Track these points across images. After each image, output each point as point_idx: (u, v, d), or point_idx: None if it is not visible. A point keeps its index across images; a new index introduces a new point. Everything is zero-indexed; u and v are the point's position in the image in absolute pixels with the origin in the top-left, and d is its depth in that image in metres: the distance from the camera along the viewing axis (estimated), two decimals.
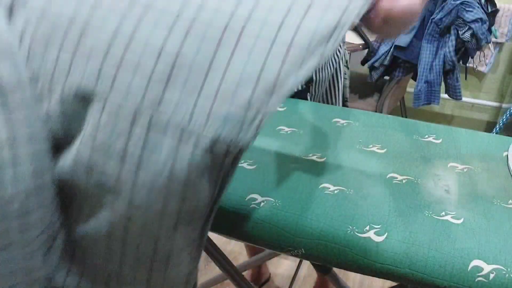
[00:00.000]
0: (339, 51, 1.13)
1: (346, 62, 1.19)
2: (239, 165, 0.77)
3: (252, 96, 0.44)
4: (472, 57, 1.92)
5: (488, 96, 2.39)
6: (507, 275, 0.56)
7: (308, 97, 1.10)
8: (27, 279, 0.50)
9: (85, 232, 0.51)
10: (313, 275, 1.69)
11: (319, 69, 1.08)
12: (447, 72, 1.89)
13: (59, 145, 0.51)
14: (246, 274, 1.61)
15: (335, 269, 0.83)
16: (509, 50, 2.24)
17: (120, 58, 0.47)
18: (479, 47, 1.81)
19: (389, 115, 0.96)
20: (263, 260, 1.41)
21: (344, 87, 1.20)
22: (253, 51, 0.44)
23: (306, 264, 1.73)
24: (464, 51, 1.83)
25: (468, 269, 0.57)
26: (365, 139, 0.86)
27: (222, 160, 0.46)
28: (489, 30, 1.81)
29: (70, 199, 0.52)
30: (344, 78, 1.18)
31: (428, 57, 1.87)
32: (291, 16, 0.44)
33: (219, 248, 0.90)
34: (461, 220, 0.64)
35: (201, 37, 0.45)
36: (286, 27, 0.44)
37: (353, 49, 1.95)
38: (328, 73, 1.12)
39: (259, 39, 0.44)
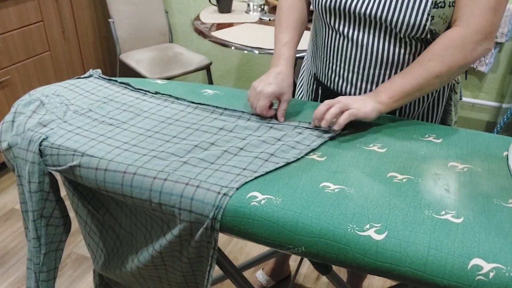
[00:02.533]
0: None
1: (453, 86, 1.02)
2: None
3: None
4: None
5: (488, 96, 2.39)
6: (507, 273, 0.56)
7: (397, 113, 0.99)
8: None
9: None
10: (314, 274, 1.69)
11: None
12: None
13: None
14: (268, 268, 1.61)
15: (335, 268, 0.83)
16: (509, 50, 2.24)
17: None
18: None
19: (390, 115, 0.96)
20: (264, 260, 1.41)
21: (444, 112, 1.05)
22: None
23: (307, 263, 1.73)
24: None
25: (468, 268, 0.57)
26: (366, 139, 0.86)
27: None
28: None
29: None
30: (448, 104, 1.04)
31: None
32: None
33: (219, 248, 0.90)
34: (461, 219, 0.64)
35: None
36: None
37: None
38: (429, 95, 0.99)
39: None
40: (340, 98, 0.86)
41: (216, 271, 1.66)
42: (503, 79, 2.33)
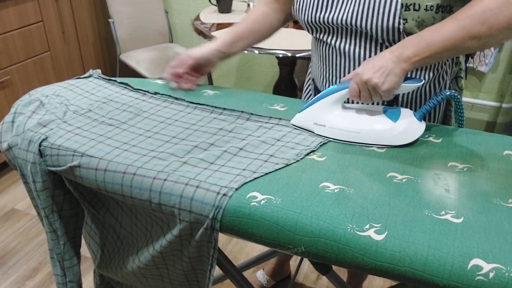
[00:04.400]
0: (442, 77, 0.96)
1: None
2: None
3: None
4: (472, 57, 1.92)
5: (488, 96, 2.39)
6: (506, 274, 0.56)
7: None
8: None
9: None
10: (314, 274, 1.69)
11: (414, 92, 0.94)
12: None
13: None
14: (268, 268, 1.61)
15: (335, 268, 0.83)
16: (509, 50, 2.24)
17: None
18: None
19: None
20: (264, 260, 1.41)
21: (444, 117, 1.03)
22: None
23: (307, 263, 1.73)
24: None
25: (468, 268, 0.57)
26: None
27: None
28: None
29: None
30: (448, 110, 1.01)
31: None
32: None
33: (219, 248, 0.90)
34: (461, 219, 0.64)
35: None
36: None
37: None
38: (422, 98, 0.96)
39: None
40: (358, 71, 0.81)
41: (216, 271, 1.66)
42: (503, 79, 2.33)
